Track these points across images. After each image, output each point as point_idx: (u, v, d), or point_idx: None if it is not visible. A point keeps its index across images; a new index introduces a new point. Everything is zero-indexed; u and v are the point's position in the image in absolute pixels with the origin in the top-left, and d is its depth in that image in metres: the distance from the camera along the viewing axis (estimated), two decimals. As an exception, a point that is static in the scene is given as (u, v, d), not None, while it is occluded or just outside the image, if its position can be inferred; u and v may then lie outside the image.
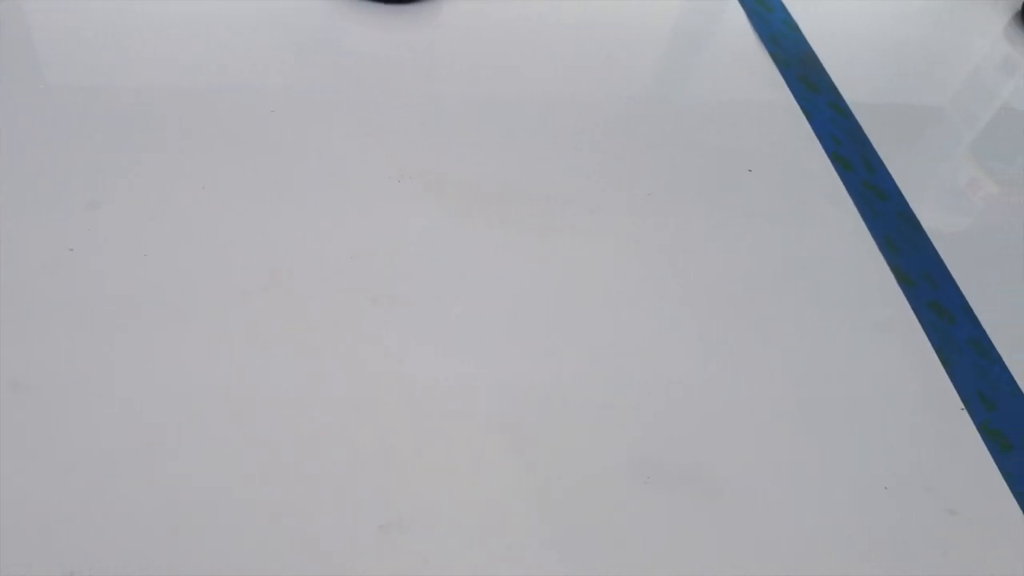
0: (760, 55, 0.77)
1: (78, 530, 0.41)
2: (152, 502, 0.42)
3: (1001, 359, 0.59)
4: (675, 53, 0.75)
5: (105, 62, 0.62)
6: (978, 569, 0.48)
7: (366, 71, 0.66)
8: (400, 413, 0.49)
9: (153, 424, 0.45)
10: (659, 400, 0.52)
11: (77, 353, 0.47)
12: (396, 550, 0.44)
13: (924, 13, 0.86)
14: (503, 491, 0.47)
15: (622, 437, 0.50)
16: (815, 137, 0.70)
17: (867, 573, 0.47)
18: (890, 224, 0.65)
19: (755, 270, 0.60)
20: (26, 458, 0.43)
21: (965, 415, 0.55)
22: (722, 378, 0.54)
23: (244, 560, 0.41)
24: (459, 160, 0.62)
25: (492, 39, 0.71)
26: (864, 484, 0.51)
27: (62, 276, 0.50)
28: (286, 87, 0.63)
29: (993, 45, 0.85)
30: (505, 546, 0.45)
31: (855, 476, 0.51)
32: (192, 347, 0.49)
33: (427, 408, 0.49)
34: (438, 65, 0.68)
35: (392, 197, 0.58)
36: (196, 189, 0.56)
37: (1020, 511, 0.52)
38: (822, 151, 0.69)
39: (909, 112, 0.76)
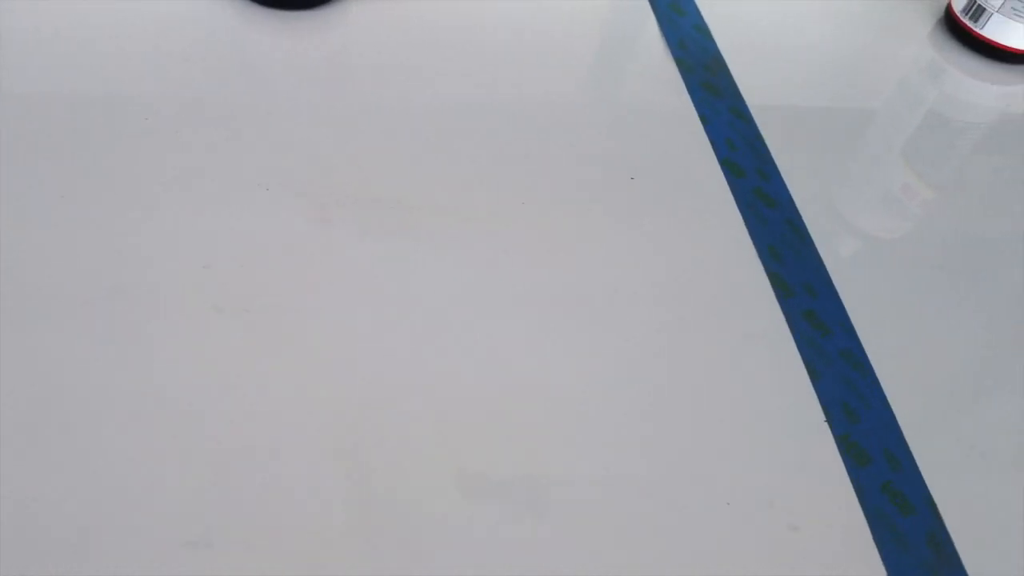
0: (665, 60, 0.76)
1: None
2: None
3: (873, 371, 0.58)
4: (577, 59, 0.75)
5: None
6: (813, 588, 0.47)
7: (247, 77, 0.66)
8: (231, 424, 0.49)
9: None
10: (508, 411, 0.52)
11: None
12: (200, 567, 0.43)
13: (846, 17, 0.85)
14: (323, 507, 0.46)
15: (468, 448, 0.49)
16: (709, 143, 0.69)
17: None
18: (775, 232, 0.64)
19: (625, 279, 0.59)
20: None
21: (826, 428, 0.54)
22: (576, 388, 0.54)
23: None
24: (332, 168, 0.61)
25: (392, 42, 0.71)
26: (705, 499, 0.50)
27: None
28: (162, 95, 0.63)
29: (913, 49, 0.84)
30: (315, 562, 0.44)
31: (698, 491, 0.50)
32: (22, 357, 0.49)
33: (260, 418, 0.49)
34: (325, 70, 0.68)
35: (259, 205, 0.58)
36: (55, 198, 0.57)
37: (867, 527, 0.50)
38: (714, 157, 0.68)
39: (817, 118, 0.74)
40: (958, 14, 0.83)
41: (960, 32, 0.83)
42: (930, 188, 0.72)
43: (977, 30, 0.82)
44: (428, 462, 0.49)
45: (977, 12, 0.81)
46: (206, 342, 0.51)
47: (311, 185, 0.60)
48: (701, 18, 0.81)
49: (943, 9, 0.86)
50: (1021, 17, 0.79)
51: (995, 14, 0.80)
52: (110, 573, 0.42)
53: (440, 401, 0.51)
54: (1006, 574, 0.50)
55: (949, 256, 0.66)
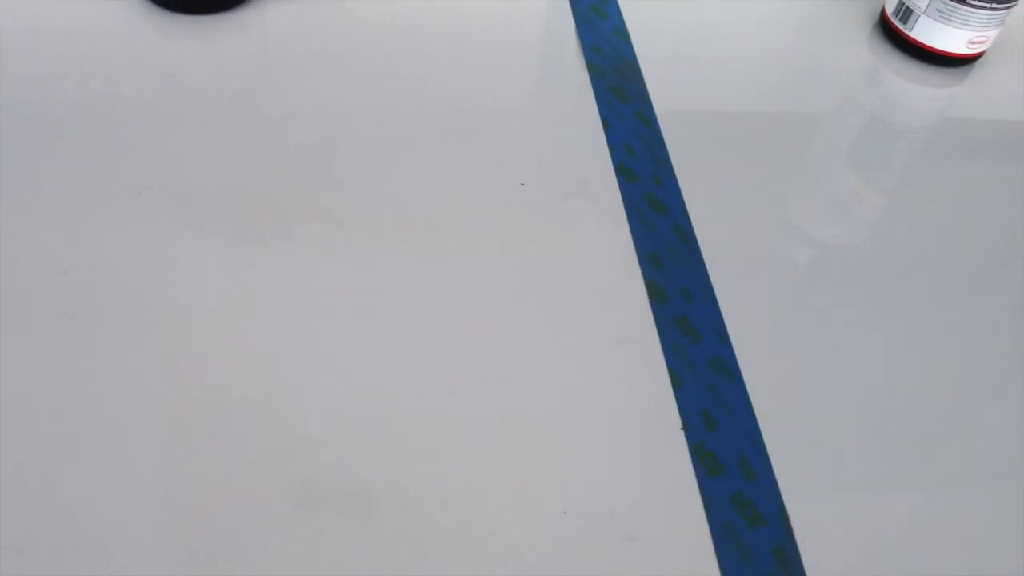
0: (577, 65, 0.75)
1: None
2: None
3: (742, 379, 0.56)
4: (489, 63, 0.75)
5: None
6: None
7: (136, 82, 0.68)
8: (67, 429, 0.49)
9: None
10: (357, 418, 0.52)
11: None
12: None
13: (779, 21, 0.84)
14: (150, 515, 0.47)
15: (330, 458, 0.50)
16: (607, 148, 0.69)
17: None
18: (660, 239, 0.63)
19: (500, 285, 0.59)
20: None
21: (681, 436, 0.53)
22: (434, 394, 0.54)
23: None
24: (209, 173, 0.62)
25: (298, 49, 0.72)
26: (543, 507, 0.50)
27: None
28: (49, 99, 0.65)
29: (846, 52, 0.82)
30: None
31: (536, 498, 0.50)
32: None
33: (99, 427, 0.50)
34: (217, 75, 0.69)
35: (130, 210, 0.59)
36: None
37: (710, 539, 0.50)
38: (609, 163, 0.67)
39: (731, 123, 0.73)
40: (889, 16, 0.82)
41: (893, 35, 0.82)
42: (846, 195, 0.70)
43: (907, 32, 0.80)
44: (264, 471, 0.49)
45: (906, 14, 0.80)
46: (49, 348, 0.52)
47: (188, 190, 0.61)
48: (623, 22, 0.80)
49: (879, 11, 0.85)
50: (946, 19, 0.77)
51: (922, 16, 0.78)
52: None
53: (287, 410, 0.51)
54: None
55: (850, 265, 0.65)
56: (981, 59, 0.82)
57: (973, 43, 0.78)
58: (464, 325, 0.57)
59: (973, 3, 0.74)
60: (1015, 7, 0.76)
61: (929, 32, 0.78)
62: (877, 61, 0.82)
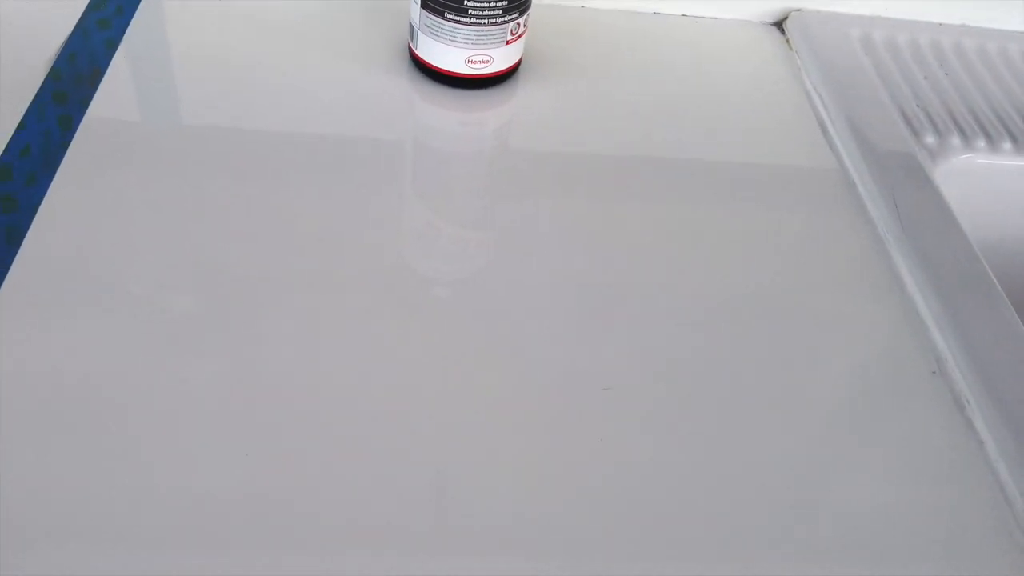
0: (39, 68, 0.71)
1: None
2: None
3: None
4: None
5: None
6: None
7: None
8: None
9: None
10: None
11: None
12: None
13: (303, 33, 0.80)
14: None
15: None
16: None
17: None
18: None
19: None
20: None
21: None
22: None
23: None
24: None
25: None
26: None
27: None
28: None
29: (371, 75, 0.78)
30: None
31: None
32: None
33: None
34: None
35: None
36: None
37: None
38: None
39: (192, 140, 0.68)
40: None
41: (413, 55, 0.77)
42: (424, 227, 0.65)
43: (415, 50, 0.76)
44: None
45: (411, 31, 0.76)
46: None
47: None
48: (122, 35, 0.76)
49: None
50: (435, 36, 0.72)
51: (418, 32, 0.74)
52: None
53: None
54: None
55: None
56: (513, 80, 0.77)
57: (473, 62, 0.73)
58: None
59: (451, 18, 0.70)
60: (514, 27, 0.71)
61: (428, 50, 0.74)
62: (409, 85, 0.77)
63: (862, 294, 0.64)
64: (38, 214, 0.60)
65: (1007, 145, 0.80)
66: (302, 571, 0.44)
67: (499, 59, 0.74)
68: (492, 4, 0.69)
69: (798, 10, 0.92)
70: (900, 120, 0.80)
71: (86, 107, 0.69)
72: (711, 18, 0.92)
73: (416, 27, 0.74)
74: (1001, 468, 0.54)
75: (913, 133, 0.79)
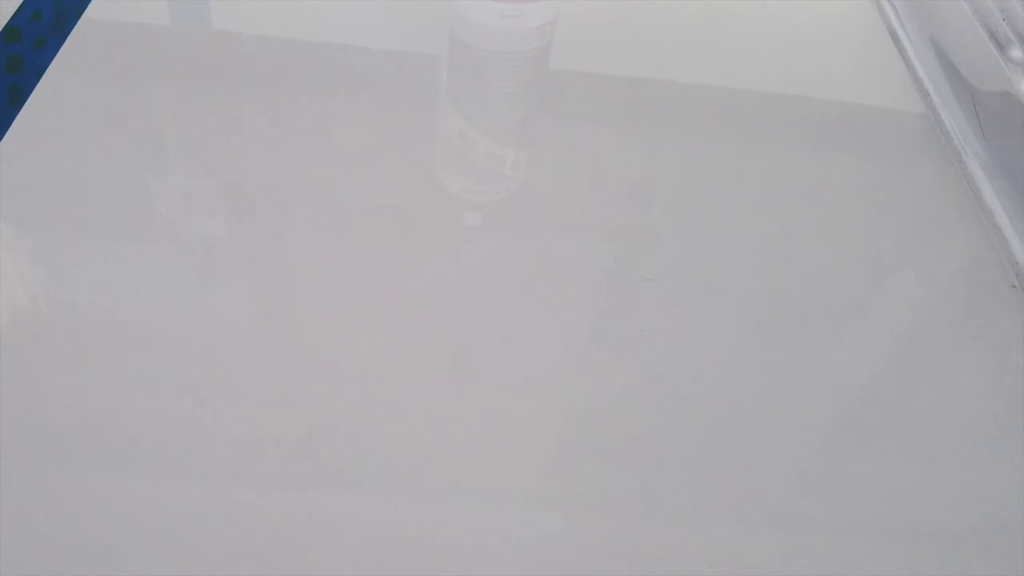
0: None
1: None
2: None
3: None
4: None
5: None
6: None
7: None
8: None
9: None
10: None
11: None
12: None
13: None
14: None
15: None
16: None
17: None
18: None
19: None
20: None
21: None
22: None
23: None
24: None
25: None
26: None
27: None
28: None
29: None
30: None
31: None
32: None
33: None
34: None
35: None
36: None
37: None
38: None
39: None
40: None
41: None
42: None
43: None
44: None
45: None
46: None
47: None
48: None
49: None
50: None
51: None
52: None
53: None
54: None
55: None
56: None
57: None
58: None
59: None
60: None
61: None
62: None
63: (939, 205, 0.59)
64: (43, 79, 0.56)
65: (1100, 61, 0.72)
66: (344, 506, 0.40)
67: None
68: None
69: (875, -82, 0.84)
70: (984, 33, 0.72)
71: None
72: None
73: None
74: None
75: (998, 46, 0.72)
